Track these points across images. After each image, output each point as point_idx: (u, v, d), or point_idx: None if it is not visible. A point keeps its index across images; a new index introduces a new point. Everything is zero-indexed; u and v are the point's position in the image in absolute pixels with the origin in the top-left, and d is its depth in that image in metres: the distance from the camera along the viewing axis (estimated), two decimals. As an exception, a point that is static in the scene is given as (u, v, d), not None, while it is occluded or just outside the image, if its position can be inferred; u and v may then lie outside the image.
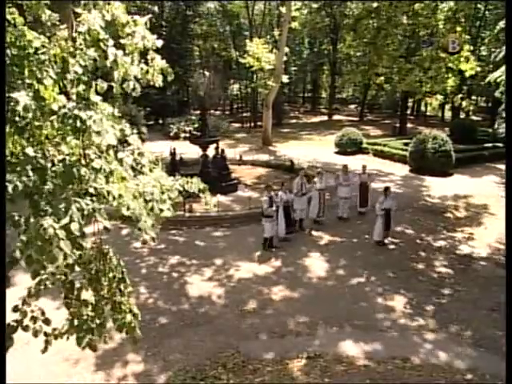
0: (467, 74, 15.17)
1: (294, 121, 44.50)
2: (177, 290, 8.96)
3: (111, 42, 3.61)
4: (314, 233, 12.29)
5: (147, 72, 4.95)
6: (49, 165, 3.15)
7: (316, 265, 10.18)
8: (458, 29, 12.88)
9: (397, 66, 15.00)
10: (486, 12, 34.49)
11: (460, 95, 20.44)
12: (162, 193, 3.68)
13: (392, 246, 11.31)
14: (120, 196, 3.16)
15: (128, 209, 3.09)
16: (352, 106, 56.20)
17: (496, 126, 26.98)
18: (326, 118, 45.62)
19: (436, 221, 13.34)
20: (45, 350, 3.55)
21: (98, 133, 3.12)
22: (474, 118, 37.75)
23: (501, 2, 22.75)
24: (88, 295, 3.66)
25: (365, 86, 43.41)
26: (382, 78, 16.81)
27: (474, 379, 6.43)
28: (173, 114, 36.20)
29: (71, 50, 3.21)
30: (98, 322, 3.80)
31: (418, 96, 22.79)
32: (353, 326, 7.66)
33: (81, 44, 3.18)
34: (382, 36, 13.80)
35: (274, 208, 10.80)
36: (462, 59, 13.33)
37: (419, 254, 10.86)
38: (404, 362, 6.72)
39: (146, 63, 4.78)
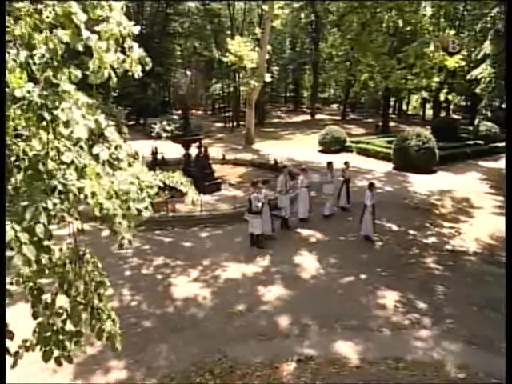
0: (451, 67, 15.21)
1: (276, 120, 44.42)
2: (161, 292, 8.62)
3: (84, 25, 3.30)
4: (301, 230, 12.07)
5: (124, 61, 4.64)
6: (12, 158, 2.83)
7: (304, 263, 9.94)
8: (443, 24, 12.84)
9: (381, 63, 14.88)
10: (465, 12, 34.91)
11: (445, 90, 20.50)
12: (141, 190, 3.37)
13: (380, 243, 11.17)
14: (93, 194, 2.85)
15: (101, 209, 2.77)
16: (334, 106, 56.42)
17: (476, 123, 27.28)
18: (308, 117, 45.63)
19: (423, 217, 13.28)
20: (14, 366, 3.21)
21: (67, 123, 2.80)
22: (454, 116, 38.23)
23: (478, 3, 23.01)
24: (62, 302, 3.34)
25: (347, 85, 43.59)
26: (367, 74, 16.69)
27: (467, 378, 6.27)
28: (154, 113, 35.68)
29: (37, 23, 2.84)
30: (74, 330, 3.51)
31: (402, 93, 22.80)
32: (344, 325, 7.45)
33: (48, 17, 2.81)
34: (367, 32, 13.67)
35: (259, 205, 10.65)
36: (446, 54, 13.31)
37: (408, 250, 10.73)
38: (397, 361, 6.53)
39: (123, 52, 4.48)
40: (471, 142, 24.98)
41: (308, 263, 9.97)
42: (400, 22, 13.23)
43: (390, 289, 8.72)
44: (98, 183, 3.01)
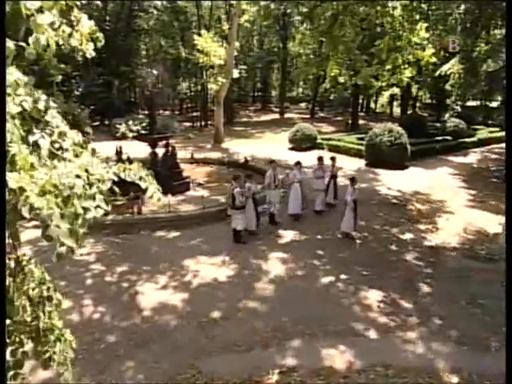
0: (424, 63, 15.08)
1: (245, 119, 43.88)
2: (127, 302, 7.84)
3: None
4: (286, 227, 11.61)
5: (71, 35, 3.93)
6: None
7: (282, 265, 9.35)
8: (417, 17, 12.62)
9: (353, 58, 14.52)
10: (429, 12, 35.31)
11: (417, 86, 20.40)
12: (90, 185, 2.69)
13: (359, 241, 10.75)
14: (21, 190, 2.16)
15: (32, 208, 2.09)
16: (302, 104, 56.43)
17: (446, 118, 27.66)
18: (277, 116, 45.39)
19: (398, 213, 13.00)
20: None
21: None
22: (421, 113, 38.76)
23: (442, 3, 23.18)
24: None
25: (316, 83, 43.58)
26: (337, 70, 16.33)
27: (461, 382, 5.86)
28: (119, 113, 34.47)
29: None
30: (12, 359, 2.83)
31: (371, 91, 22.60)
32: (327, 331, 6.91)
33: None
34: (338, 25, 13.27)
35: (243, 199, 10.25)
36: (418, 48, 13.07)
37: (388, 247, 10.35)
38: (386, 368, 6.05)
39: (71, 26, 3.80)
40: (440, 138, 25.21)
41: (285, 264, 9.39)
42: (372, 14, 12.83)
43: (373, 288, 8.25)
44: (29, 176, 2.32)
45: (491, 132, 28.80)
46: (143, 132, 17.39)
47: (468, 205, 14.15)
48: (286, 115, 44.62)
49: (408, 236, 11.17)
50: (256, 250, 10.11)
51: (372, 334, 6.87)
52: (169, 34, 42.77)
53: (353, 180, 10.78)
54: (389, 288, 8.30)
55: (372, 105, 51.43)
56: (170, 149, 16.11)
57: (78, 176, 2.71)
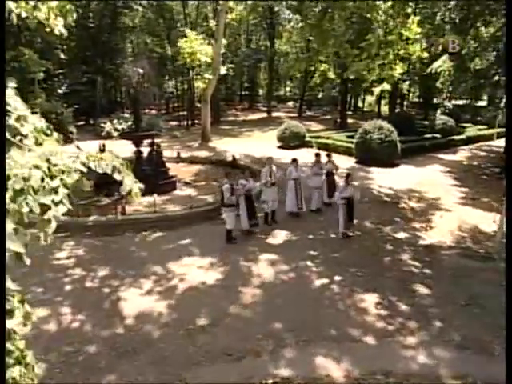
0: (415, 58, 14.82)
1: (232, 118, 43.33)
2: (108, 309, 7.34)
3: None
4: (280, 227, 11.22)
5: (36, 8, 3.48)
6: None
7: (273, 267, 8.92)
8: (409, 10, 12.32)
9: (343, 52, 14.14)
10: (416, 10, 35.31)
11: (407, 83, 20.15)
12: (52, 177, 2.23)
13: (352, 240, 10.39)
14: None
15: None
16: (290, 103, 56.13)
17: (437, 115, 27.66)
18: (264, 115, 44.96)
19: (391, 211, 12.69)
20: None
21: None
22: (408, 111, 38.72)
23: (428, 3, 23.07)
24: None
25: (304, 81, 43.37)
26: (326, 65, 15.96)
27: (466, 390, 5.52)
28: (104, 112, 33.78)
29: None
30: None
31: (365, 84, 22.26)
32: (322, 337, 6.50)
33: None
34: (328, 19, 12.91)
35: (233, 197, 9.77)
36: (409, 42, 12.74)
37: (382, 247, 10.01)
38: (386, 376, 5.67)
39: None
40: (429, 136, 25.04)
41: (278, 266, 8.96)
42: (363, 7, 12.49)
43: (368, 291, 7.88)
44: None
45: (479, 130, 28.80)
46: (128, 130, 16.80)
47: (461, 202, 13.90)
48: (274, 114, 44.17)
49: (402, 235, 10.85)
50: (247, 251, 9.68)
51: (370, 339, 6.49)
52: (154, 32, 42.06)
53: (348, 176, 10.44)
54: (385, 290, 7.94)
55: (360, 104, 51.28)
56: (155, 147, 15.61)
57: (36, 166, 2.26)
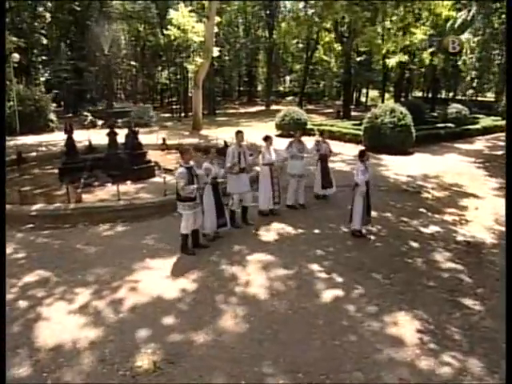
0: (443, 17, 12.48)
1: (230, 111, 41.08)
2: (17, 333, 4.92)
3: None
4: (261, 227, 8.46)
5: None
6: None
7: (263, 275, 6.42)
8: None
9: (353, 15, 11.75)
10: None
11: (430, 50, 17.63)
12: None
13: (372, 237, 7.94)
14: None
15: None
16: (289, 98, 53.87)
17: (451, 105, 25.65)
18: (263, 108, 42.80)
19: (414, 202, 10.30)
20: None
21: None
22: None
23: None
24: None
25: (305, 72, 41.24)
26: (332, 35, 13.59)
27: None
28: (92, 102, 31.65)
29: None
30: None
31: (379, 56, 19.75)
32: (340, 386, 4.10)
33: None
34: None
35: (194, 186, 6.76)
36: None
37: (410, 245, 7.59)
38: None
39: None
40: (442, 125, 22.76)
41: (269, 273, 6.47)
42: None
43: (402, 307, 5.44)
44: None
45: (494, 120, 26.55)
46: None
47: (492, 193, 11.55)
48: (273, 107, 41.94)
49: (432, 229, 8.45)
50: (226, 256, 7.18)
51: (415, 389, 4.09)
52: (147, 20, 39.74)
53: (363, 154, 7.81)
54: (425, 305, 5.52)
55: (363, 99, 48.99)
56: (132, 127, 13.32)
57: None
